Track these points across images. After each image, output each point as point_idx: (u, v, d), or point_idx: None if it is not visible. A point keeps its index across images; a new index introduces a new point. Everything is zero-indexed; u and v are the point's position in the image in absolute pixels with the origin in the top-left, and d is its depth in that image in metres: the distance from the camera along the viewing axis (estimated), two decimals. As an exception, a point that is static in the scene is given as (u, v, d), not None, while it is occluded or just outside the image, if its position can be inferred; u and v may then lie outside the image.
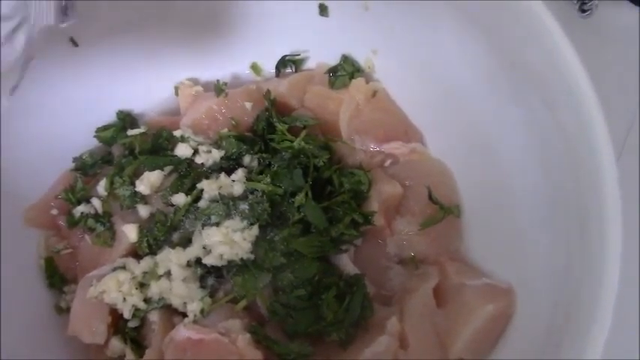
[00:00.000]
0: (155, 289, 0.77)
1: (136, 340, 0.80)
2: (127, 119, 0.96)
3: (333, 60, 0.95)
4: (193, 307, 0.76)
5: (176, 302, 0.77)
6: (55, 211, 0.88)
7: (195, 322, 0.75)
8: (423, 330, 0.75)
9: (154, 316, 0.78)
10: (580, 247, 0.60)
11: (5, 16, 0.55)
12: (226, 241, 0.76)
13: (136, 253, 0.82)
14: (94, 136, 0.94)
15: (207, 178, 0.83)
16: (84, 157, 0.92)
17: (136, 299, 0.77)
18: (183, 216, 0.81)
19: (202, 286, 0.78)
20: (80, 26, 0.82)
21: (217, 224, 0.78)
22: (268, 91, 0.91)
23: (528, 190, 0.71)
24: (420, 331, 0.74)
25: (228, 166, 0.85)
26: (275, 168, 0.82)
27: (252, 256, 0.77)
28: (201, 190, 0.81)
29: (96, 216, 0.85)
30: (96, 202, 0.86)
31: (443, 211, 0.83)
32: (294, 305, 0.75)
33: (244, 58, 0.99)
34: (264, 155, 0.85)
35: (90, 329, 0.78)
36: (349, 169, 0.85)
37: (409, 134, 0.90)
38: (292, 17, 0.93)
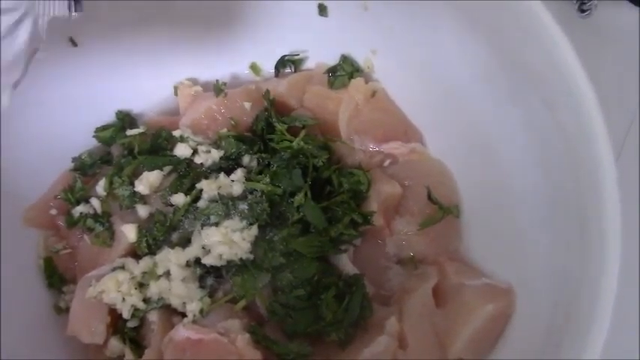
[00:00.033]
0: (154, 289, 0.77)
1: (135, 340, 0.80)
2: (126, 119, 0.96)
3: (333, 60, 0.95)
4: (192, 307, 0.76)
5: (175, 302, 0.77)
6: (54, 211, 0.88)
7: (194, 322, 0.75)
8: (422, 330, 0.75)
9: (153, 316, 0.78)
10: (579, 247, 0.60)
11: (6, 9, 0.55)
12: (225, 241, 0.76)
13: (135, 253, 0.82)
14: (93, 136, 0.94)
15: (206, 178, 0.83)
16: (83, 157, 0.92)
17: (135, 299, 0.77)
18: (182, 216, 0.80)
19: (201, 286, 0.78)
20: (79, 26, 0.82)
21: (216, 224, 0.78)
22: (267, 91, 0.91)
23: (528, 190, 0.71)
24: (419, 331, 0.74)
25: (228, 166, 0.85)
26: (274, 168, 0.82)
27: (251, 256, 0.77)
28: (201, 190, 0.81)
29: (95, 216, 0.85)
30: (95, 202, 0.86)
31: (442, 211, 0.83)
32: (294, 305, 0.75)
33: (243, 58, 0.99)
34: (263, 155, 0.85)
35: (89, 329, 0.78)
36: (348, 169, 0.85)
37: (408, 134, 0.90)
38: (291, 17, 0.93)
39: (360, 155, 0.89)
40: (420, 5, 0.78)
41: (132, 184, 0.83)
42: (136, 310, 0.78)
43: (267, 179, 0.80)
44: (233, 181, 0.81)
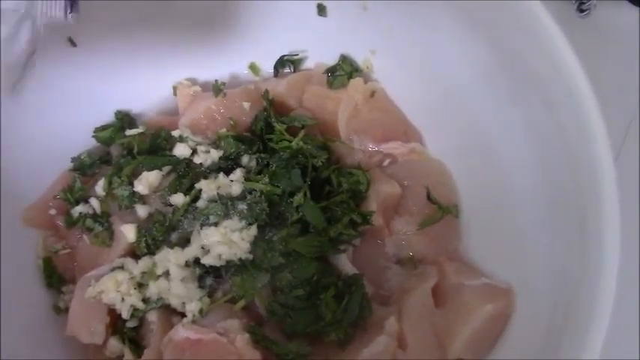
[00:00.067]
0: (153, 289, 0.77)
1: (135, 340, 0.80)
2: (125, 119, 0.96)
3: (332, 60, 0.95)
4: (192, 307, 0.76)
5: (175, 302, 0.77)
6: (53, 211, 0.88)
7: (193, 322, 0.75)
8: (421, 330, 0.75)
9: (153, 316, 0.78)
10: (579, 247, 0.60)
11: (7, 10, 0.55)
12: (225, 241, 0.76)
13: (134, 253, 0.82)
14: (93, 136, 0.94)
15: (205, 178, 0.83)
16: (82, 157, 0.92)
17: (134, 299, 0.77)
18: (181, 216, 0.80)
19: (201, 286, 0.78)
20: (78, 26, 0.82)
21: (216, 224, 0.78)
22: (267, 91, 0.91)
23: (527, 190, 0.71)
24: (418, 331, 0.74)
25: (227, 166, 0.85)
26: (273, 168, 0.82)
27: (250, 256, 0.77)
28: (200, 190, 0.81)
29: (94, 216, 0.85)
30: (94, 202, 0.86)
31: (441, 210, 0.83)
32: (293, 305, 0.75)
33: (243, 58, 0.99)
34: (262, 155, 0.85)
35: (88, 329, 0.78)
36: (348, 169, 0.85)
37: (408, 134, 0.90)
38: (291, 17, 0.93)
39: (359, 155, 0.89)
40: (420, 5, 0.78)
41: (131, 184, 0.83)
42: (135, 310, 0.78)
43: (267, 179, 0.80)
44: (232, 181, 0.81)
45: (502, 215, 0.77)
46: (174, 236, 0.81)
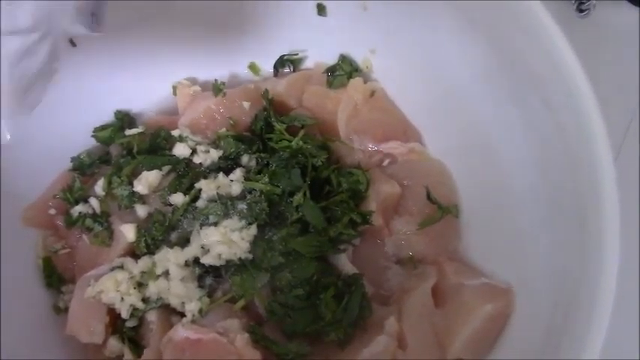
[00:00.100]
0: (153, 288, 0.77)
1: (134, 339, 0.79)
2: (124, 119, 0.96)
3: (331, 60, 0.95)
4: (191, 307, 0.76)
5: (174, 302, 0.77)
6: (52, 211, 0.88)
7: (193, 321, 0.75)
8: (421, 330, 0.75)
9: (152, 316, 0.78)
10: (578, 246, 0.60)
11: (26, 29, 0.54)
12: (224, 240, 0.76)
13: (133, 253, 0.82)
14: (92, 136, 0.94)
15: (205, 177, 0.83)
16: (82, 156, 0.92)
17: (134, 299, 0.77)
18: (181, 216, 0.80)
19: (200, 286, 0.78)
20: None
21: (215, 224, 0.78)
22: (266, 91, 0.91)
23: (527, 190, 0.71)
24: (418, 331, 0.74)
25: (227, 165, 0.85)
26: (273, 167, 0.82)
27: (250, 256, 0.77)
28: (200, 190, 0.81)
29: (94, 216, 0.85)
30: (94, 202, 0.86)
31: (441, 210, 0.83)
32: (293, 305, 0.75)
33: (242, 57, 0.99)
34: (262, 155, 0.85)
35: (88, 329, 0.78)
36: (347, 169, 0.85)
37: (408, 134, 0.90)
38: (290, 17, 0.93)
39: (359, 155, 0.89)
40: (420, 5, 0.78)
41: (131, 183, 0.83)
42: (134, 310, 0.78)
43: (266, 179, 0.80)
44: (232, 180, 0.81)
45: (502, 215, 0.77)
46: (173, 236, 0.81)
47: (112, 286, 0.77)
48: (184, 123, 0.90)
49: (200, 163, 0.84)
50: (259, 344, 0.73)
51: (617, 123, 0.97)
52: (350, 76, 0.92)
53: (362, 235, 0.83)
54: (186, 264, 0.78)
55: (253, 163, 0.85)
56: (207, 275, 0.79)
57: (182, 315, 0.77)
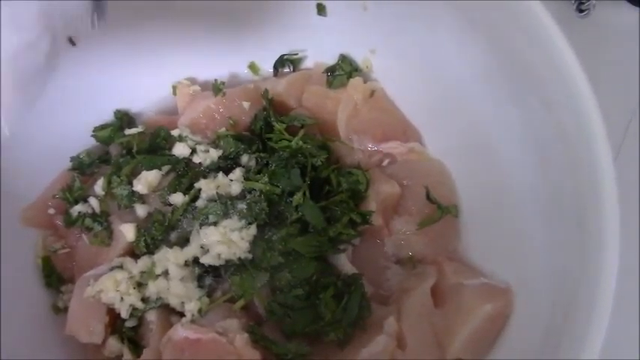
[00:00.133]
0: (153, 288, 0.77)
1: (134, 339, 0.79)
2: (124, 118, 0.96)
3: (331, 59, 0.95)
4: (191, 307, 0.76)
5: (174, 302, 0.77)
6: (52, 211, 0.88)
7: (192, 321, 0.75)
8: (420, 330, 0.75)
9: (152, 316, 0.78)
10: (578, 246, 0.60)
11: (27, 25, 0.54)
12: (224, 240, 0.76)
13: (133, 253, 0.82)
14: (92, 136, 0.94)
15: (204, 177, 0.83)
16: (81, 156, 0.92)
17: (133, 299, 0.77)
18: (180, 215, 0.80)
19: (200, 286, 0.78)
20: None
21: (215, 224, 0.78)
22: (266, 91, 0.91)
23: (527, 190, 0.71)
24: (417, 331, 0.74)
25: (226, 165, 0.85)
26: (273, 167, 0.82)
27: (249, 256, 0.77)
28: (199, 190, 0.81)
29: (93, 215, 0.85)
30: (93, 202, 0.85)
31: (441, 210, 0.83)
32: (292, 305, 0.75)
33: (242, 57, 0.99)
34: (261, 155, 0.85)
35: (87, 329, 0.78)
36: (347, 169, 0.85)
37: (407, 134, 0.90)
38: (290, 16, 0.93)
39: (358, 155, 0.89)
40: (420, 5, 0.78)
41: (130, 183, 0.83)
42: (134, 310, 0.78)
43: (266, 179, 0.80)
44: (232, 180, 0.81)
45: (501, 215, 0.77)
46: (173, 236, 0.81)
47: (111, 286, 0.77)
48: (184, 123, 0.90)
49: (200, 163, 0.84)
50: (259, 344, 0.73)
51: (617, 123, 0.97)
52: (350, 76, 0.92)
53: (361, 235, 0.83)
54: (186, 264, 0.78)
55: (253, 162, 0.85)
56: (206, 275, 0.79)
57: (181, 315, 0.77)
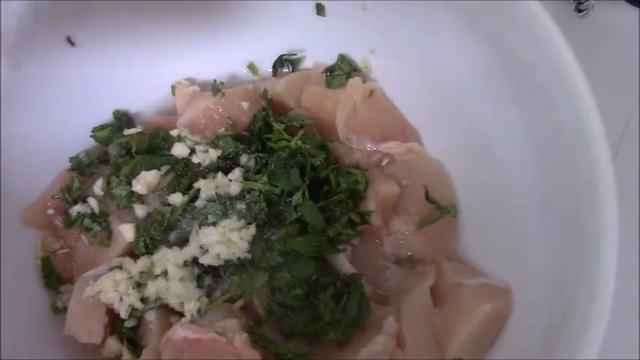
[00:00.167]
0: (152, 288, 0.77)
1: (133, 339, 0.79)
2: (123, 119, 0.96)
3: (330, 59, 0.95)
4: (190, 307, 0.76)
5: (173, 302, 0.77)
6: (51, 211, 0.88)
7: (192, 321, 0.75)
8: (420, 329, 0.75)
9: (151, 316, 0.78)
10: (577, 246, 0.60)
11: None
12: (223, 240, 0.76)
13: (132, 253, 0.82)
14: (91, 136, 0.94)
15: (204, 177, 0.83)
16: (80, 156, 0.92)
17: (132, 299, 0.77)
18: (180, 215, 0.80)
19: (199, 286, 0.78)
20: (77, 26, 0.82)
21: (214, 224, 0.78)
22: (265, 91, 0.91)
23: (526, 190, 0.72)
24: (417, 331, 0.74)
25: (225, 165, 0.85)
26: (272, 167, 0.82)
27: (249, 256, 0.77)
28: (198, 190, 0.81)
29: (92, 216, 0.85)
30: (92, 202, 0.85)
31: (440, 210, 0.84)
32: (291, 305, 0.75)
33: (241, 57, 0.99)
34: (261, 155, 0.85)
35: (86, 329, 0.78)
36: (346, 169, 0.85)
37: (406, 134, 0.90)
38: (289, 17, 0.93)
39: (357, 155, 0.89)
40: (419, 5, 0.78)
41: (129, 183, 0.83)
42: (133, 310, 0.78)
43: (265, 179, 0.80)
44: (231, 180, 0.81)
45: (501, 215, 0.78)
46: (172, 236, 0.81)
47: (110, 286, 0.77)
48: (183, 123, 0.90)
49: (199, 163, 0.84)
50: (258, 344, 0.73)
51: (616, 122, 0.98)
52: (349, 76, 0.92)
53: (361, 234, 0.83)
54: (185, 264, 0.78)
55: (252, 162, 0.85)
56: (205, 275, 0.79)
57: (181, 315, 0.77)
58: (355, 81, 0.90)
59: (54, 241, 0.89)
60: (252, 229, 0.77)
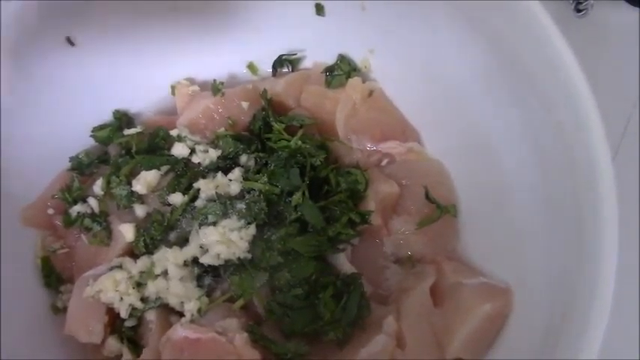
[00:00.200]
0: (152, 288, 0.77)
1: (133, 339, 0.80)
2: (123, 119, 0.96)
3: (330, 59, 0.95)
4: (190, 307, 0.76)
5: (173, 301, 0.77)
6: (51, 211, 0.88)
7: (192, 321, 0.75)
8: (420, 329, 0.75)
9: (151, 316, 0.78)
10: (577, 246, 0.60)
11: None
12: (223, 240, 0.76)
13: (132, 253, 0.82)
14: (91, 136, 0.94)
15: (204, 177, 0.83)
16: (80, 156, 0.92)
17: (132, 299, 0.77)
18: (180, 215, 0.80)
19: (199, 286, 0.78)
20: (77, 26, 0.82)
21: (214, 223, 0.78)
22: (265, 91, 0.91)
23: (526, 190, 0.72)
24: (417, 331, 0.74)
25: (225, 165, 0.85)
26: (272, 167, 0.82)
27: (249, 256, 0.77)
28: (198, 190, 0.81)
29: (92, 215, 0.85)
30: (92, 202, 0.85)
31: (440, 210, 0.84)
32: (291, 304, 0.75)
33: (241, 57, 0.99)
34: (260, 154, 0.85)
35: (87, 329, 0.78)
36: (346, 169, 0.85)
37: (406, 134, 0.90)
38: (289, 17, 0.93)
39: (357, 154, 0.89)
40: (419, 5, 0.78)
41: (129, 183, 0.83)
42: (133, 310, 0.78)
43: (265, 178, 0.80)
44: (231, 180, 0.81)
45: (500, 215, 0.78)
46: (172, 236, 0.81)
47: (110, 286, 0.77)
48: (183, 123, 0.90)
49: (199, 163, 0.84)
50: (258, 344, 0.73)
51: (616, 122, 0.98)
52: (348, 76, 0.92)
53: (361, 234, 0.83)
54: (185, 264, 0.78)
55: (252, 162, 0.85)
56: (206, 275, 0.79)
57: (181, 315, 0.77)
58: (355, 81, 0.90)
59: (54, 240, 0.89)
60: (252, 229, 0.77)
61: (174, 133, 0.88)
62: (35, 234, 0.89)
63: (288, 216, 0.79)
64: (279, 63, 0.99)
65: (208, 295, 0.78)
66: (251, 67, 1.00)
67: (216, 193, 0.80)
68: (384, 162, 0.91)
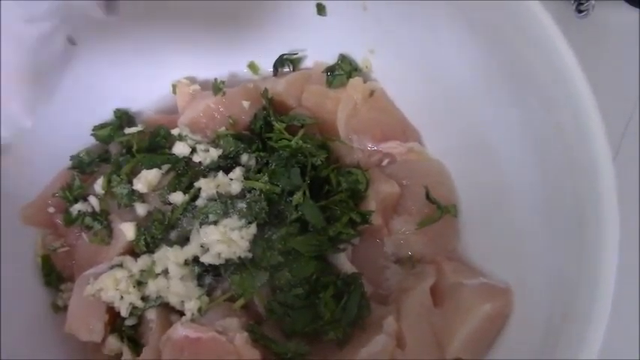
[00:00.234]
0: (152, 287, 0.77)
1: (133, 338, 0.80)
2: (124, 117, 0.96)
3: (331, 59, 0.95)
4: (191, 306, 0.76)
5: (174, 301, 0.77)
6: (52, 210, 0.88)
7: (192, 320, 0.75)
8: (420, 329, 0.75)
9: (152, 315, 0.78)
10: (577, 246, 0.60)
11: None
12: (224, 239, 0.76)
13: (133, 252, 0.82)
14: (92, 135, 0.94)
15: (204, 176, 0.83)
16: (81, 155, 0.92)
17: (133, 297, 0.77)
18: (180, 214, 0.81)
19: (200, 285, 0.78)
20: (77, 25, 0.82)
21: (215, 223, 0.78)
22: (266, 90, 0.92)
23: (526, 190, 0.72)
24: (417, 331, 0.74)
25: (226, 164, 0.85)
26: (273, 167, 0.82)
27: (249, 255, 0.77)
28: (199, 189, 0.81)
29: (93, 214, 0.85)
30: (93, 201, 0.86)
31: (440, 210, 0.83)
32: (292, 304, 0.75)
33: (242, 56, 0.99)
34: (261, 154, 0.85)
35: (87, 327, 0.78)
36: (347, 168, 0.85)
37: (407, 134, 0.90)
38: (290, 16, 0.93)
39: (358, 154, 0.89)
40: (420, 5, 0.78)
41: (130, 182, 0.83)
42: (134, 309, 0.78)
43: (266, 178, 0.80)
44: (231, 179, 0.81)
45: (501, 215, 0.77)
46: (173, 235, 0.81)
47: (111, 285, 0.77)
48: (184, 122, 0.90)
49: (199, 162, 0.84)
50: (258, 343, 0.73)
51: (616, 122, 0.98)
52: (349, 76, 0.92)
53: (361, 234, 0.83)
54: (186, 263, 0.78)
55: (253, 162, 0.85)
56: (206, 274, 0.79)
57: (181, 314, 0.77)
58: (356, 81, 0.90)
59: (54, 239, 0.89)
60: (252, 228, 0.77)
61: (175, 132, 0.88)
62: (35, 232, 0.89)
63: (288, 215, 0.79)
64: (280, 62, 0.99)
65: (209, 294, 0.78)
66: (252, 66, 1.00)
67: (217, 192, 0.80)
68: (385, 162, 0.91)
